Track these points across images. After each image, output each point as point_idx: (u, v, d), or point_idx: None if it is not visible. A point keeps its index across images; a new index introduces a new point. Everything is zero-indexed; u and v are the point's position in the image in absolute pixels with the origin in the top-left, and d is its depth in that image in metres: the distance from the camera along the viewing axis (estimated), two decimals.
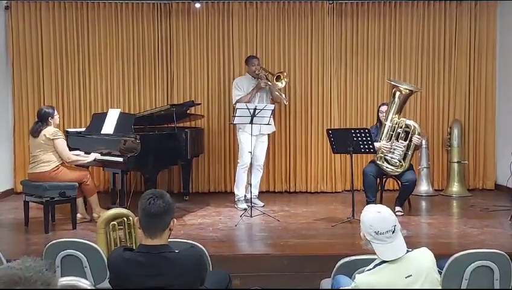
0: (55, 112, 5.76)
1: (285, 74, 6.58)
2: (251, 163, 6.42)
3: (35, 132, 5.61)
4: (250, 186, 6.31)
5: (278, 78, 6.45)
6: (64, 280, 2.64)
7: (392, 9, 7.63)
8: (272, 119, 6.35)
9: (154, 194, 2.61)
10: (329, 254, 4.44)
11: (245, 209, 6.19)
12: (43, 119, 5.63)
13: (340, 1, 7.49)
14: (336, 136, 5.92)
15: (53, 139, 5.53)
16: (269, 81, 6.45)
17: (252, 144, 6.30)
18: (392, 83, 6.24)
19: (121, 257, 2.60)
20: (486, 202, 6.81)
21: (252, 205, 6.19)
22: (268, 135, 6.78)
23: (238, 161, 6.62)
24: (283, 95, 6.58)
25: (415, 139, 5.93)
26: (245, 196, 6.56)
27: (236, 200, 6.59)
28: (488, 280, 3.29)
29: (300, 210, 6.54)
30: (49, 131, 5.55)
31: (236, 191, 6.61)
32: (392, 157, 5.97)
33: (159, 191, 2.66)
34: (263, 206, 6.59)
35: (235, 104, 6.41)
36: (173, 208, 2.64)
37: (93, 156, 5.82)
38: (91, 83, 7.59)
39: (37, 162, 5.59)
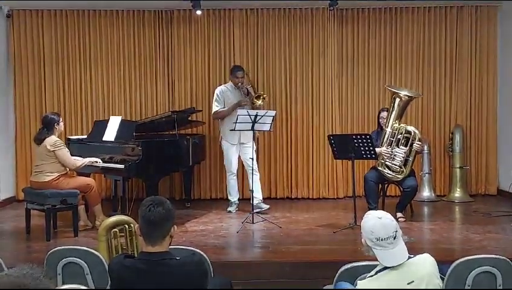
0: (61, 119, 5.77)
1: (265, 95, 6.66)
2: (249, 169, 6.48)
3: (38, 140, 5.61)
4: (251, 193, 6.31)
5: (258, 97, 6.52)
6: (65, 288, 2.63)
7: (392, 15, 7.64)
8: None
9: (154, 201, 2.61)
10: (331, 260, 4.43)
11: (230, 212, 6.58)
12: (48, 125, 5.63)
13: (341, 8, 7.49)
14: (337, 141, 5.92)
15: (54, 150, 5.53)
16: (249, 97, 6.51)
17: (235, 151, 6.59)
18: (391, 89, 6.24)
19: (122, 264, 2.59)
20: (488, 208, 6.79)
21: (256, 210, 6.26)
22: (257, 139, 6.87)
23: (226, 169, 6.80)
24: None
25: (416, 145, 5.93)
26: (251, 203, 6.45)
27: (229, 203, 6.78)
28: (491, 285, 3.27)
29: (301, 216, 6.53)
30: (49, 141, 5.53)
31: (228, 196, 6.84)
32: (393, 164, 5.97)
33: (158, 198, 2.65)
34: (269, 208, 6.61)
35: (213, 115, 6.68)
36: (173, 215, 2.64)
37: (93, 158, 5.82)
38: (92, 90, 7.61)
39: (39, 171, 5.59)
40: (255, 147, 6.69)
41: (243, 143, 6.62)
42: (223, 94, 6.63)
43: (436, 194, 7.50)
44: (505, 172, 7.22)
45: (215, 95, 6.70)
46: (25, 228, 5.67)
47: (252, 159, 6.31)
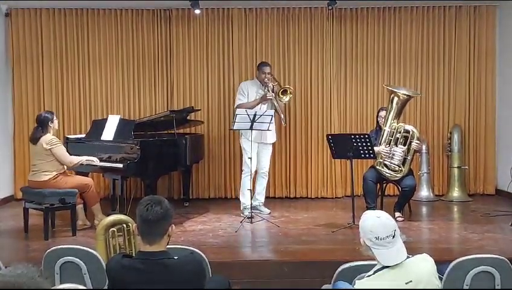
0: (55, 117, 5.77)
1: (291, 89, 6.49)
2: (256, 170, 6.41)
3: (34, 139, 5.61)
4: (251, 192, 6.29)
5: (284, 92, 6.36)
6: (63, 287, 2.62)
7: (391, 14, 7.64)
8: (273, 125, 6.33)
9: (152, 200, 2.60)
10: (330, 260, 4.42)
11: (247, 216, 6.15)
12: (42, 124, 5.63)
13: (339, 7, 7.49)
14: (336, 141, 5.93)
15: (50, 148, 5.53)
16: (274, 93, 6.33)
17: (254, 150, 6.23)
18: (390, 88, 6.24)
19: (120, 263, 2.58)
20: (486, 207, 6.80)
21: (256, 211, 6.24)
22: (273, 143, 6.69)
23: (243, 168, 6.52)
24: (282, 116, 6.53)
25: (414, 144, 5.93)
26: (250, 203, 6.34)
27: (242, 208, 6.45)
28: (489, 285, 3.27)
29: (300, 216, 6.52)
30: (46, 140, 5.54)
31: (242, 199, 6.48)
32: (391, 163, 5.97)
33: (156, 198, 2.65)
34: (269, 213, 6.52)
35: (236, 108, 6.42)
36: (171, 214, 2.63)
37: (90, 157, 5.81)
38: (91, 89, 7.60)
39: (37, 170, 5.59)
40: (270, 150, 6.63)
41: (264, 143, 6.46)
42: (247, 88, 6.48)
43: (434, 193, 7.51)
44: (504, 172, 7.21)
45: (239, 88, 6.56)
46: (23, 227, 5.66)
47: (251, 158, 6.23)
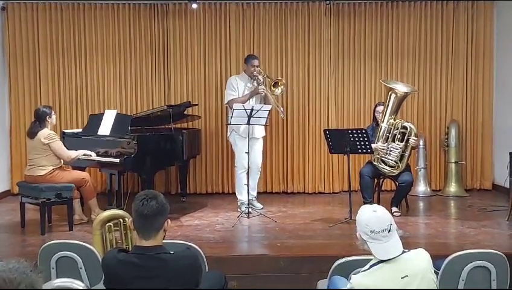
0: (53, 112, 5.76)
1: (283, 81, 6.43)
2: (249, 166, 6.40)
3: (32, 133, 5.60)
4: (248, 187, 6.29)
5: (276, 85, 6.30)
6: (58, 282, 2.62)
7: (389, 9, 7.62)
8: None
9: (148, 195, 2.60)
10: (326, 255, 4.42)
11: (244, 212, 6.12)
12: (40, 119, 5.62)
13: (337, 2, 7.48)
14: (333, 136, 5.92)
15: (48, 143, 5.52)
16: (266, 86, 6.27)
17: (247, 145, 6.11)
18: (387, 84, 6.21)
19: (115, 258, 2.58)
20: (483, 202, 6.81)
21: (250, 206, 6.21)
22: (263, 137, 6.66)
23: (236, 165, 6.46)
24: (281, 108, 6.48)
25: (412, 141, 5.93)
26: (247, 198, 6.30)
27: (239, 204, 6.41)
28: (485, 280, 3.28)
29: (297, 211, 6.52)
30: (43, 134, 5.53)
31: (239, 196, 6.43)
32: (388, 159, 5.97)
33: (152, 192, 2.64)
34: (262, 208, 6.52)
35: (227, 104, 6.39)
36: (167, 209, 2.63)
37: (88, 151, 5.81)
38: (88, 83, 7.57)
39: (33, 165, 5.58)
40: (262, 144, 6.60)
41: (255, 138, 6.38)
42: (237, 83, 6.36)
43: (431, 189, 7.51)
44: (500, 167, 7.22)
45: (229, 83, 6.44)
46: (20, 222, 5.66)
47: (248, 153, 6.20)
